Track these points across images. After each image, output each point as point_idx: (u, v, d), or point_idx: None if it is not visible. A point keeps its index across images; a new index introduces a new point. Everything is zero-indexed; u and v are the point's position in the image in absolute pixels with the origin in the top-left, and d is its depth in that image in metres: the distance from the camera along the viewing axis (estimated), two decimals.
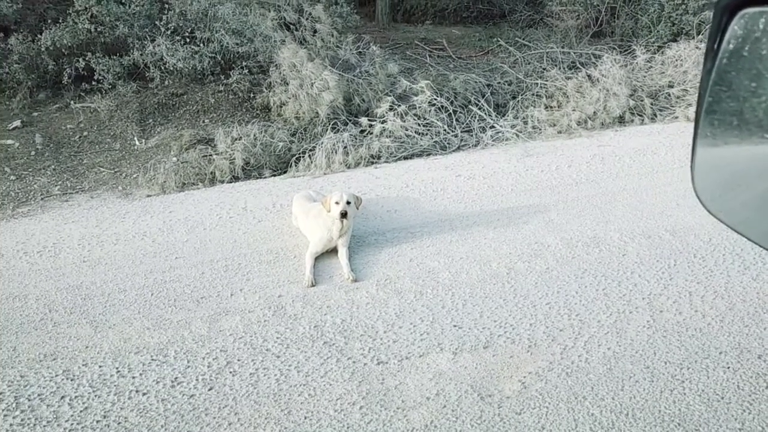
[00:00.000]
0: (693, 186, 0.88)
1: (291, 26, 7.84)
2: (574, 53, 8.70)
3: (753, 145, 0.81)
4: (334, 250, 4.39)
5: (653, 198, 5.11)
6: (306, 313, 3.72)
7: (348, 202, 4.27)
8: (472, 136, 6.85)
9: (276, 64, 7.09)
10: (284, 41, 7.32)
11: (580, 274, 4.03)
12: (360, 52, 7.87)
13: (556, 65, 8.31)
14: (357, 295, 3.91)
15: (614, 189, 5.36)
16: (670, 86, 7.64)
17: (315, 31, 7.72)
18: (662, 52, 8.24)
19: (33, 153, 6.43)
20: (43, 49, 7.03)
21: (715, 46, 0.80)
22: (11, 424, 2.91)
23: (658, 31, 9.15)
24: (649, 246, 4.34)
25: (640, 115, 7.28)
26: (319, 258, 4.34)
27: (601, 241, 4.44)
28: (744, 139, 0.82)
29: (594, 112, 7.17)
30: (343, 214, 4.23)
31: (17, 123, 6.86)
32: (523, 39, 9.76)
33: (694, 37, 8.34)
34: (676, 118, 7.19)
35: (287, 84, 6.90)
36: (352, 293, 3.93)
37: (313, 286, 4.03)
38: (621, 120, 7.23)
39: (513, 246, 4.45)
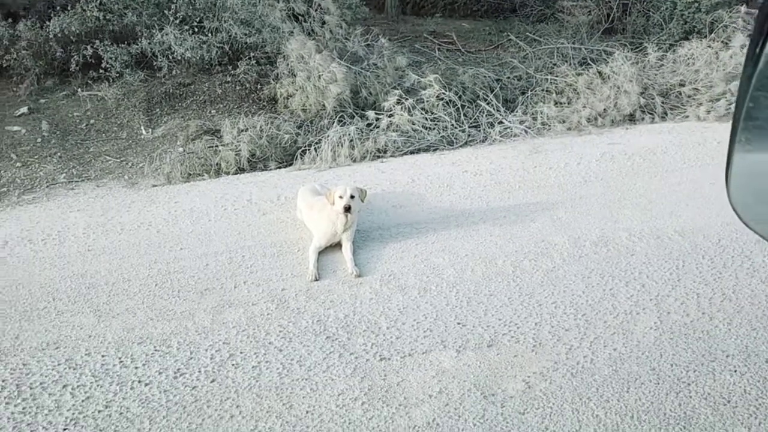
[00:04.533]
0: (727, 194, 0.85)
1: (300, 17, 7.79)
2: (585, 49, 8.63)
3: None
4: (338, 245, 4.37)
5: (663, 198, 5.06)
6: (309, 307, 3.70)
7: (352, 196, 4.23)
8: (479, 131, 6.81)
9: (284, 56, 7.06)
10: (292, 32, 7.28)
11: (587, 273, 3.99)
12: (368, 44, 7.82)
13: (566, 61, 8.24)
14: (360, 290, 3.89)
15: (623, 188, 5.31)
16: (682, 85, 7.57)
17: (323, 23, 7.67)
18: (674, 51, 8.16)
19: (39, 140, 6.42)
20: (51, 35, 7.02)
21: (757, 50, 0.77)
22: (12, 412, 2.90)
23: (670, 29, 9.07)
24: (657, 246, 4.30)
25: (651, 114, 7.21)
26: (323, 252, 4.31)
27: (608, 241, 4.40)
28: None
29: (604, 110, 7.11)
30: (347, 209, 4.20)
31: (24, 110, 6.86)
32: (534, 34, 9.68)
33: (706, 36, 8.25)
34: (687, 117, 7.12)
35: (294, 76, 6.86)
36: (355, 288, 3.91)
37: (316, 280, 4.00)
38: (631, 118, 7.17)
39: (519, 244, 4.41)
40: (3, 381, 3.12)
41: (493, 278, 3.98)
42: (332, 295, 3.84)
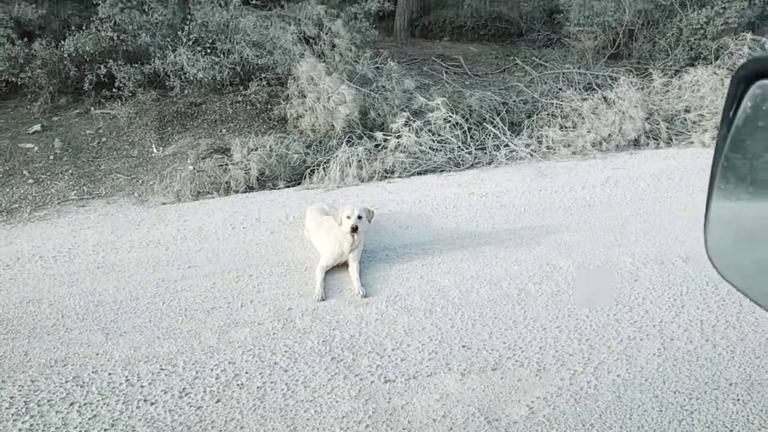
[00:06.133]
0: (705, 242, 0.89)
1: (310, 40, 7.92)
2: (591, 74, 8.71)
3: (765, 204, 0.82)
4: (345, 265, 4.40)
5: (667, 223, 5.09)
6: (315, 328, 3.73)
7: (359, 217, 4.28)
8: (486, 153, 6.86)
9: (294, 77, 7.16)
10: (303, 54, 7.40)
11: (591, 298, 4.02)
12: (377, 67, 7.93)
13: (572, 86, 8.32)
14: (366, 311, 3.92)
15: (628, 213, 5.35)
16: (687, 111, 7.63)
17: (334, 46, 7.79)
18: (679, 77, 8.25)
19: (52, 157, 6.51)
20: (65, 54, 7.15)
21: (731, 113, 0.81)
22: (20, 429, 2.93)
23: (675, 55, 9.16)
24: (661, 272, 4.32)
25: (656, 139, 7.26)
26: (329, 272, 4.35)
27: (613, 266, 4.42)
28: (757, 198, 0.83)
29: (609, 134, 7.16)
30: (354, 229, 4.24)
31: (37, 127, 6.96)
32: (540, 58, 9.78)
33: (712, 63, 8.33)
34: (692, 143, 7.17)
35: (304, 96, 6.96)
36: (361, 309, 3.94)
37: (323, 300, 4.03)
38: (636, 143, 7.22)
39: (524, 267, 4.44)
40: (11, 398, 3.15)
41: (498, 301, 4.00)
42: (338, 315, 3.87)
